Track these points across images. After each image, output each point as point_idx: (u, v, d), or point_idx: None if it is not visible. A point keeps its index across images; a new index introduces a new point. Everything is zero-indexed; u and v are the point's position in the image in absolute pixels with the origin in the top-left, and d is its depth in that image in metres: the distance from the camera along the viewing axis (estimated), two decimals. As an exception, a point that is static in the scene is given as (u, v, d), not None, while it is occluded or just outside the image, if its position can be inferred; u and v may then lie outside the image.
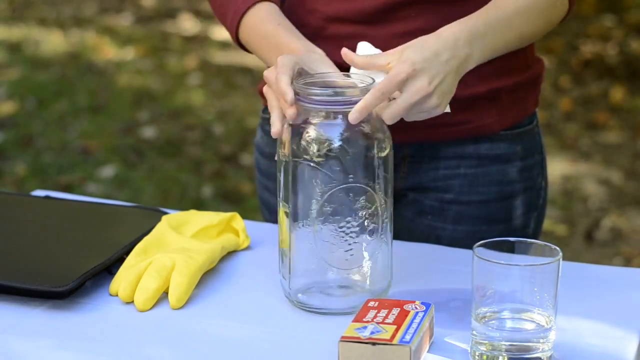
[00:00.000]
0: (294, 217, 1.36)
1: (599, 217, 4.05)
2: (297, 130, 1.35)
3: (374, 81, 1.37)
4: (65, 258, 1.49)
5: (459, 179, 1.66)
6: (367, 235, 1.36)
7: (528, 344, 1.23)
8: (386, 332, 1.23)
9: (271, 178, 1.76)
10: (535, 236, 1.72)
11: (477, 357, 1.25)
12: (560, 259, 1.24)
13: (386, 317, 1.27)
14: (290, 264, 1.39)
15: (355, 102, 1.34)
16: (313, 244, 1.36)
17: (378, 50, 1.45)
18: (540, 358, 1.24)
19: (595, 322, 1.36)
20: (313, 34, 1.58)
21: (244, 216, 1.62)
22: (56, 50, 6.10)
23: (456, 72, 1.42)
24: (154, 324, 1.36)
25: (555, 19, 1.56)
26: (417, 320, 1.27)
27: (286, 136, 1.37)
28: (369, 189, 1.35)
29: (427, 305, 1.30)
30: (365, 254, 1.37)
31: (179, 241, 1.50)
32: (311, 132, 1.34)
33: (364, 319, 1.26)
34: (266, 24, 1.56)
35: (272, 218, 1.77)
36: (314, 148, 1.34)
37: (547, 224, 1.77)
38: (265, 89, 1.45)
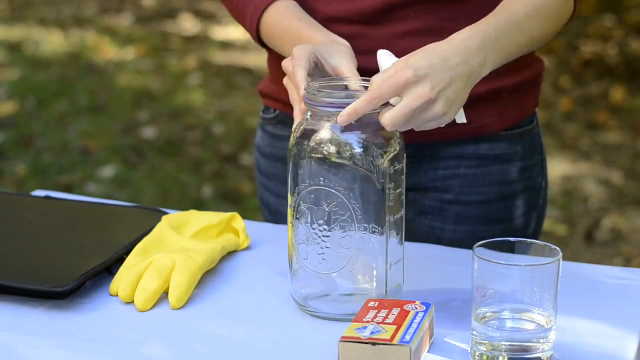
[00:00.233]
0: (294, 213, 1.36)
1: (599, 217, 4.05)
2: (310, 129, 1.35)
3: None
4: (65, 258, 1.49)
5: (459, 179, 1.66)
6: (368, 241, 1.35)
7: (528, 344, 1.23)
8: (386, 332, 1.23)
9: (271, 178, 1.76)
10: (535, 236, 1.72)
11: (477, 357, 1.25)
12: (560, 259, 1.24)
13: (386, 317, 1.27)
14: (292, 264, 1.39)
15: None
16: (316, 247, 1.35)
17: (394, 58, 1.41)
18: (540, 358, 1.24)
19: (595, 322, 1.36)
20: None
21: (244, 216, 1.62)
22: (56, 50, 6.10)
23: (467, 79, 1.38)
24: (154, 324, 1.36)
25: (562, 20, 1.56)
26: (417, 320, 1.26)
27: (299, 132, 1.36)
28: (374, 194, 1.34)
29: (427, 305, 1.30)
30: (367, 261, 1.36)
31: (179, 241, 1.50)
32: (322, 133, 1.34)
33: (364, 319, 1.26)
34: (287, 20, 1.56)
35: (272, 218, 1.77)
36: (322, 148, 1.33)
37: (547, 224, 1.77)
38: (285, 80, 1.45)
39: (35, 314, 1.38)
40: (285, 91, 1.68)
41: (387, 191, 1.34)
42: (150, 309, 1.39)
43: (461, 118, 1.41)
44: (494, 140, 1.66)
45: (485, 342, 1.24)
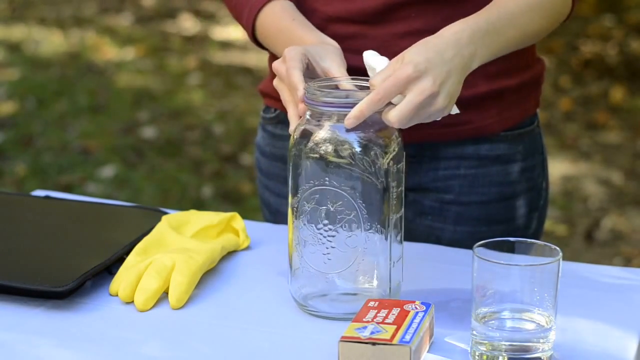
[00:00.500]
0: (296, 213, 1.36)
1: (599, 217, 4.05)
2: (309, 129, 1.35)
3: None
4: (65, 258, 1.48)
5: (459, 180, 1.66)
6: (372, 241, 1.35)
7: (528, 344, 1.23)
8: (386, 332, 1.23)
9: (272, 178, 1.76)
10: (536, 237, 1.71)
11: (477, 357, 1.25)
12: (560, 259, 1.24)
13: (386, 317, 1.27)
14: (292, 264, 1.39)
15: None
16: (315, 246, 1.35)
17: (383, 58, 1.43)
18: (540, 358, 1.24)
19: (595, 322, 1.36)
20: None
21: (244, 216, 1.62)
22: (56, 50, 6.10)
23: (461, 71, 1.40)
24: (154, 324, 1.36)
25: (558, 17, 1.56)
26: (417, 320, 1.26)
27: (298, 132, 1.36)
28: (376, 193, 1.34)
29: (427, 305, 1.30)
30: (371, 261, 1.36)
31: (179, 241, 1.50)
32: (322, 133, 1.34)
33: (364, 319, 1.26)
34: (281, 20, 1.56)
35: (272, 218, 1.77)
36: (324, 148, 1.33)
37: (547, 224, 1.77)
38: (276, 82, 1.45)
39: (35, 314, 1.38)
40: (285, 91, 1.68)
41: (390, 190, 1.34)
42: (150, 309, 1.39)
43: (455, 109, 1.42)
44: (495, 141, 1.65)
45: (485, 342, 1.24)
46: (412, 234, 1.64)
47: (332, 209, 1.33)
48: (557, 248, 1.25)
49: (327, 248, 1.35)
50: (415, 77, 1.34)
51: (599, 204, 4.16)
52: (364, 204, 1.33)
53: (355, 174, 1.33)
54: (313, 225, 1.35)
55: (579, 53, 6.04)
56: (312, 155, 1.33)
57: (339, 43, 1.53)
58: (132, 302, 1.40)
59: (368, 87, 1.37)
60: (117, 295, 1.42)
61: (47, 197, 1.72)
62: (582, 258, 3.64)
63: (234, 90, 5.47)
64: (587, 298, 1.42)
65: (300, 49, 1.43)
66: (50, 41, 6.27)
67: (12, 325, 1.35)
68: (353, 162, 1.32)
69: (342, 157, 1.33)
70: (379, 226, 1.34)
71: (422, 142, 1.64)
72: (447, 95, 1.36)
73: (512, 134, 1.66)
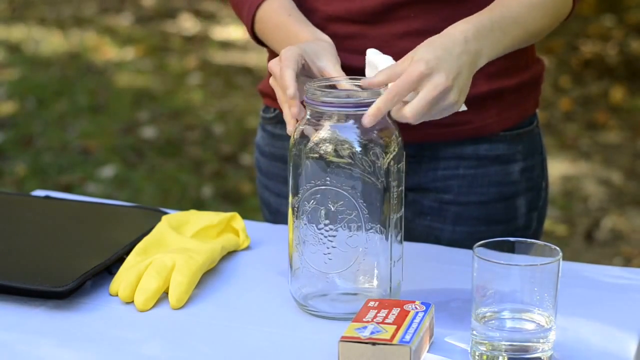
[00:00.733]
0: (297, 213, 1.36)
1: (599, 217, 4.05)
2: (309, 129, 1.35)
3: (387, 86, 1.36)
4: (65, 258, 1.49)
5: (458, 180, 1.66)
6: (373, 240, 1.35)
7: (528, 344, 1.23)
8: (386, 332, 1.23)
9: (271, 178, 1.76)
10: (536, 237, 1.71)
11: (477, 357, 1.25)
12: (560, 259, 1.24)
13: (386, 317, 1.27)
14: (292, 263, 1.39)
15: (366, 105, 1.33)
16: (315, 245, 1.35)
17: (387, 56, 1.43)
18: (540, 358, 1.24)
19: (595, 322, 1.36)
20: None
21: (244, 216, 1.62)
22: (56, 50, 6.10)
23: (469, 67, 1.40)
24: (154, 324, 1.36)
25: (560, 15, 1.56)
26: (417, 320, 1.27)
27: (298, 132, 1.36)
28: (377, 193, 1.34)
29: (427, 305, 1.30)
30: (372, 260, 1.36)
31: (179, 241, 1.50)
32: (322, 133, 1.34)
33: (364, 319, 1.26)
34: (278, 16, 1.57)
35: (272, 218, 1.77)
36: (324, 148, 1.33)
37: (547, 224, 1.77)
38: (271, 82, 1.45)
39: (36, 314, 1.38)
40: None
41: (390, 190, 1.34)
42: (150, 309, 1.39)
43: (463, 106, 1.43)
44: (494, 141, 1.65)
45: (485, 342, 1.24)
46: (411, 234, 1.64)
47: (333, 208, 1.33)
48: (557, 248, 1.25)
49: (327, 248, 1.35)
50: (428, 74, 1.35)
51: (599, 204, 4.16)
52: (364, 204, 1.33)
53: (356, 173, 1.33)
54: (314, 225, 1.35)
55: (579, 53, 6.04)
56: (312, 155, 1.33)
57: (338, 43, 1.53)
58: (132, 302, 1.40)
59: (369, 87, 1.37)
60: (117, 295, 1.42)
61: (47, 197, 1.72)
62: (582, 258, 3.64)
63: (234, 90, 5.47)
64: (587, 298, 1.42)
65: (296, 49, 1.43)
66: (50, 41, 6.27)
67: (12, 325, 1.35)
68: (353, 162, 1.32)
69: (342, 157, 1.33)
70: (379, 226, 1.34)
71: (422, 142, 1.64)
72: (459, 90, 1.38)
73: (511, 134, 1.66)
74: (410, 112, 1.34)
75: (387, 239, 1.35)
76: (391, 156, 1.34)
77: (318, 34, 1.52)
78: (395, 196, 1.35)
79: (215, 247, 1.50)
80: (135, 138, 4.79)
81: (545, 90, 1.73)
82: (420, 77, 1.34)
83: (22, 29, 6.50)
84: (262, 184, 1.80)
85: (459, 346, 1.29)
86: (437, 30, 1.44)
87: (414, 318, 1.27)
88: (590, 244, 3.86)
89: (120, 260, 1.48)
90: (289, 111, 1.40)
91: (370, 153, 1.33)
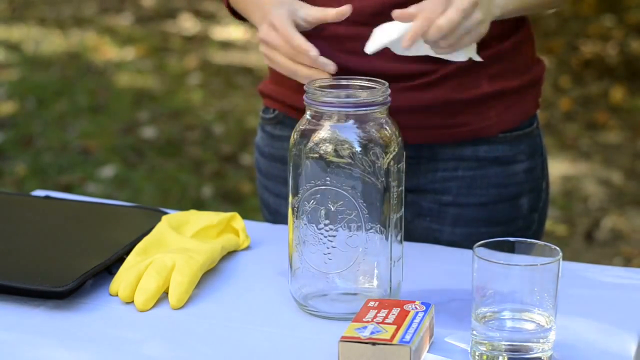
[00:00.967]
0: (297, 213, 1.36)
1: (599, 217, 4.05)
2: (310, 129, 1.35)
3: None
4: (65, 258, 1.49)
5: (457, 181, 1.66)
6: (373, 240, 1.35)
7: (528, 344, 1.23)
8: (386, 332, 1.23)
9: (271, 178, 1.76)
10: (537, 238, 1.71)
11: (477, 357, 1.25)
12: (560, 259, 1.24)
13: (386, 317, 1.27)
14: (292, 263, 1.39)
15: (366, 105, 1.33)
16: (315, 245, 1.35)
17: (393, 22, 1.45)
18: (540, 358, 1.24)
19: (595, 322, 1.36)
20: (312, 34, 1.58)
21: (244, 216, 1.62)
22: (56, 50, 6.10)
23: (488, 3, 1.44)
24: (154, 324, 1.36)
25: None
26: (417, 320, 1.27)
27: (299, 132, 1.36)
28: (377, 193, 1.34)
29: (427, 305, 1.30)
30: (372, 261, 1.36)
31: (179, 241, 1.50)
32: (322, 133, 1.34)
33: (364, 319, 1.26)
34: None
35: (272, 218, 1.77)
36: (324, 148, 1.33)
37: (547, 224, 1.77)
38: (266, 51, 1.47)
39: (35, 314, 1.38)
40: (285, 92, 1.69)
41: (390, 190, 1.34)
42: (150, 309, 1.39)
43: (476, 56, 1.48)
44: (493, 142, 1.65)
45: (485, 342, 1.24)
46: (410, 235, 1.63)
47: (333, 208, 1.33)
48: (557, 248, 1.25)
49: (327, 248, 1.35)
50: None
51: (599, 204, 4.16)
52: (364, 204, 1.33)
53: (356, 173, 1.33)
54: (314, 225, 1.35)
55: (579, 53, 6.04)
56: (312, 155, 1.34)
57: (338, 44, 1.53)
58: (132, 302, 1.40)
59: (369, 87, 1.37)
60: (117, 295, 1.42)
61: (47, 197, 1.72)
62: (582, 258, 3.64)
63: (234, 90, 5.47)
64: (587, 298, 1.42)
65: (283, 12, 1.47)
66: (50, 41, 6.27)
67: (12, 325, 1.35)
68: (353, 162, 1.32)
69: (342, 157, 1.33)
70: (379, 226, 1.34)
71: (421, 143, 1.64)
72: (484, 10, 1.42)
73: (511, 135, 1.66)
74: (444, 21, 1.38)
75: (387, 239, 1.35)
76: (391, 156, 1.34)
77: None
78: (395, 196, 1.35)
79: (215, 247, 1.50)
80: (135, 138, 4.79)
81: (545, 90, 1.73)
82: None
83: (22, 29, 6.50)
84: (261, 184, 1.80)
85: (459, 346, 1.29)
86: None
87: (414, 318, 1.27)
88: (590, 244, 3.87)
89: (120, 260, 1.48)
90: (304, 70, 1.44)
91: (370, 153, 1.33)
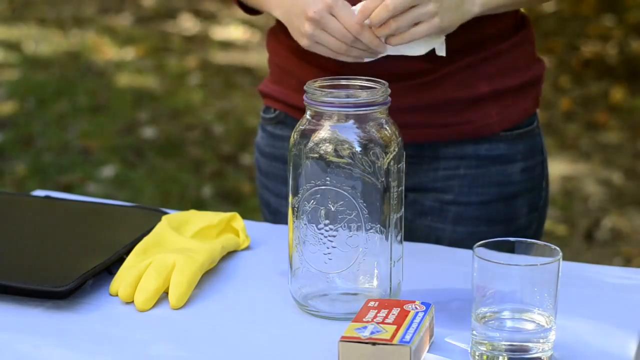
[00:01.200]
0: (297, 213, 1.36)
1: (599, 217, 4.05)
2: (310, 129, 1.35)
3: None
4: (65, 258, 1.49)
5: (459, 180, 1.66)
6: (373, 240, 1.35)
7: (528, 344, 1.23)
8: (386, 332, 1.23)
9: (271, 178, 1.76)
10: (537, 237, 1.71)
11: (477, 357, 1.25)
12: (560, 259, 1.24)
13: (386, 317, 1.27)
14: (292, 263, 1.39)
15: (366, 105, 1.33)
16: (315, 245, 1.35)
17: None
18: (540, 358, 1.24)
19: (595, 322, 1.36)
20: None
21: (244, 216, 1.62)
22: (56, 50, 6.10)
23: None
24: (154, 324, 1.36)
25: None
26: (417, 320, 1.26)
27: (299, 132, 1.36)
28: (376, 193, 1.34)
29: (427, 305, 1.30)
30: (372, 260, 1.36)
31: (179, 241, 1.50)
32: (322, 133, 1.34)
33: (364, 319, 1.26)
34: None
35: (272, 218, 1.77)
36: (324, 148, 1.33)
37: (547, 224, 1.77)
38: (316, 32, 1.47)
39: (35, 314, 1.38)
40: (285, 92, 1.69)
41: (390, 190, 1.34)
42: (150, 309, 1.39)
43: (441, 50, 1.47)
44: (494, 141, 1.65)
45: (485, 342, 1.24)
46: (411, 234, 1.64)
47: (333, 208, 1.33)
48: (557, 248, 1.25)
49: (327, 248, 1.35)
50: None
51: (599, 204, 4.16)
52: (364, 204, 1.33)
53: (356, 173, 1.33)
54: (314, 225, 1.35)
55: (579, 53, 6.03)
56: (312, 155, 1.34)
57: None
58: (132, 302, 1.40)
59: (369, 87, 1.37)
60: (117, 295, 1.42)
61: (47, 197, 1.72)
62: (582, 258, 3.64)
63: (234, 90, 5.47)
64: (587, 298, 1.42)
65: None
66: (50, 41, 6.27)
67: (12, 325, 1.35)
68: (353, 162, 1.32)
69: (342, 157, 1.33)
70: (379, 226, 1.34)
71: (422, 142, 1.64)
72: (440, 5, 1.42)
73: (511, 134, 1.66)
74: (390, 1, 1.40)
75: (387, 239, 1.35)
76: (391, 156, 1.34)
77: None
78: (395, 196, 1.35)
79: (215, 247, 1.50)
80: (135, 138, 4.79)
81: (545, 90, 1.73)
82: None
83: (22, 29, 6.50)
84: (262, 184, 1.79)
85: (459, 346, 1.29)
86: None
87: (414, 318, 1.27)
88: (590, 244, 3.86)
89: (120, 260, 1.48)
90: (359, 52, 1.46)
91: (370, 153, 1.33)
